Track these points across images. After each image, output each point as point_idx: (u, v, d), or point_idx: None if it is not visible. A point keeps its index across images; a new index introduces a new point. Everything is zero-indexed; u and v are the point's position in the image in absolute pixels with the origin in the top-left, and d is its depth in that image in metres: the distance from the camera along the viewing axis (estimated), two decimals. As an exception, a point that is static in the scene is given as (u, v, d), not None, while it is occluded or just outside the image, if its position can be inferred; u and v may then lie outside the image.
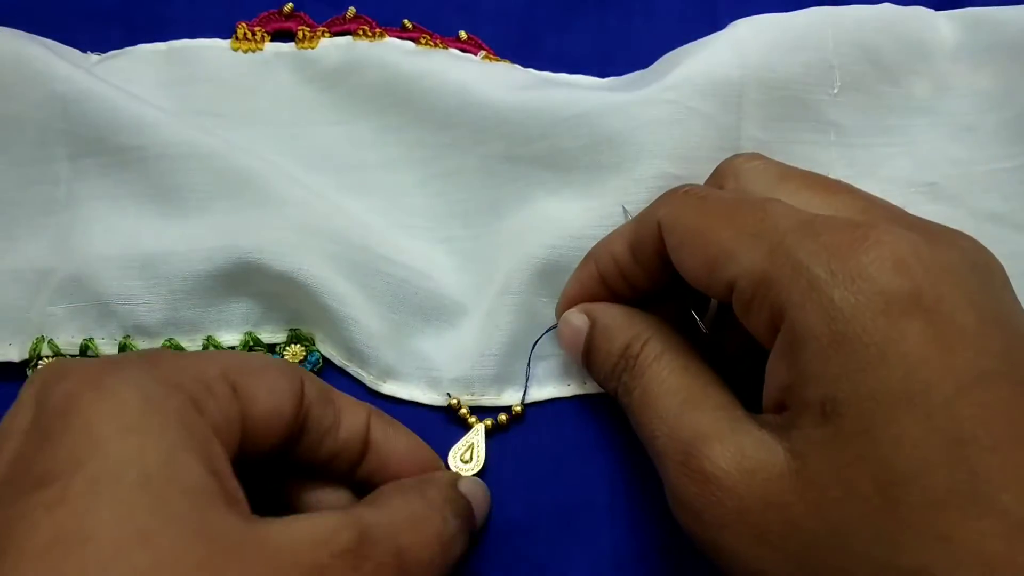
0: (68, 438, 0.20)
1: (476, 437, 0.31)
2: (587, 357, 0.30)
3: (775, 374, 0.24)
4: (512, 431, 0.32)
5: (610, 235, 0.31)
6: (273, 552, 0.21)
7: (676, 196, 0.28)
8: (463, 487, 0.29)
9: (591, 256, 0.31)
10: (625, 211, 0.32)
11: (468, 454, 0.31)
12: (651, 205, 0.29)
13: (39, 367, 0.23)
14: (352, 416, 0.28)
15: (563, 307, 0.31)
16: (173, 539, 0.19)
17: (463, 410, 0.32)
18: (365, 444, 0.28)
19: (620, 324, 0.29)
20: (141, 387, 0.21)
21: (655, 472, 0.31)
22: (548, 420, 0.32)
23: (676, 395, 0.26)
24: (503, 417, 0.32)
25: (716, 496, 0.23)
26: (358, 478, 0.28)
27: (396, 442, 0.29)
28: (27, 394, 0.22)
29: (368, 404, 0.29)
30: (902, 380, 0.21)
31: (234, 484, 0.22)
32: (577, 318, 0.30)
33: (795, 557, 0.22)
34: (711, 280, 0.25)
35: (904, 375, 0.21)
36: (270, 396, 0.25)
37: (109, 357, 0.23)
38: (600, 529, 0.30)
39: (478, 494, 0.29)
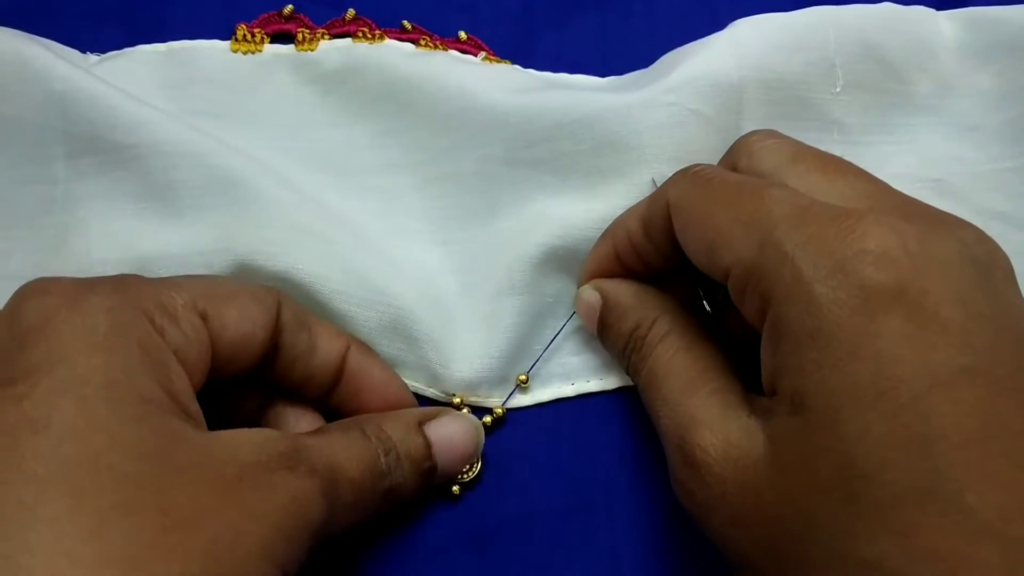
0: (41, 347, 0.22)
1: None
2: (600, 334, 0.31)
3: (764, 361, 0.24)
4: (511, 431, 0.32)
5: (627, 211, 0.31)
6: (217, 448, 0.23)
7: (686, 177, 0.28)
8: (431, 427, 0.29)
9: (608, 232, 0.31)
10: (654, 184, 0.31)
11: None
12: (665, 183, 0.29)
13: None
14: (328, 343, 0.29)
15: (582, 282, 0.32)
16: (128, 429, 0.21)
17: (464, 410, 0.31)
18: (339, 372, 0.29)
19: (630, 303, 0.30)
20: (110, 311, 0.23)
21: (653, 472, 0.31)
22: (547, 420, 0.32)
23: (677, 377, 0.27)
24: (499, 411, 0.32)
25: (705, 480, 0.24)
26: (331, 405, 0.30)
27: (371, 375, 0.30)
28: (8, 306, 0.24)
29: (350, 335, 0.30)
30: (872, 376, 0.21)
31: (193, 406, 0.24)
32: (590, 294, 0.31)
33: (765, 542, 0.23)
34: (710, 265, 0.26)
35: (875, 371, 0.21)
36: (241, 322, 0.26)
37: (84, 280, 0.24)
38: (599, 529, 0.30)
39: (455, 434, 0.30)
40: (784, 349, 0.23)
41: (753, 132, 0.29)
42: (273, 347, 0.27)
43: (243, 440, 0.24)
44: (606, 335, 0.31)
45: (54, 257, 0.32)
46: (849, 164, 0.27)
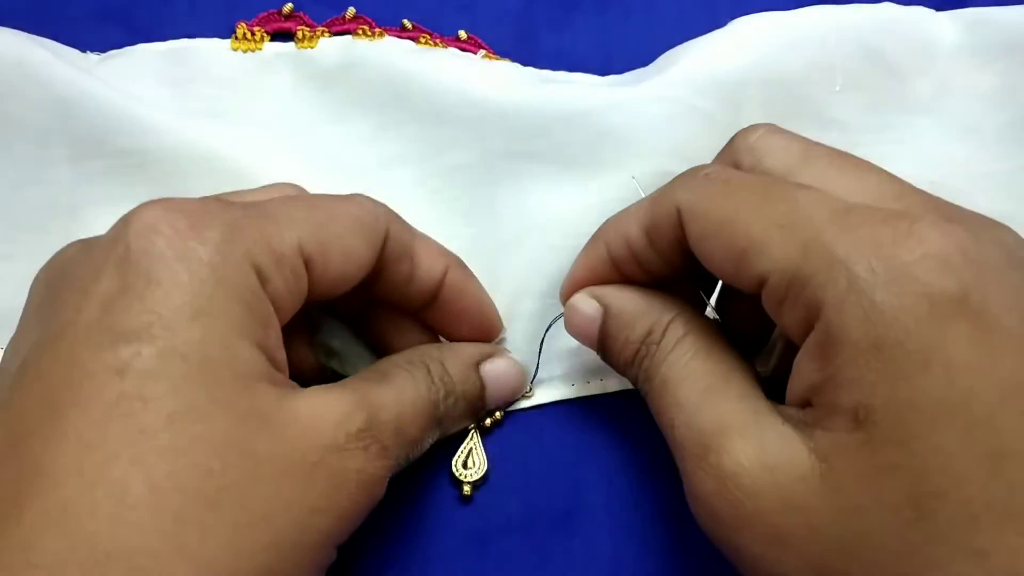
0: (147, 303, 0.22)
1: (472, 443, 0.31)
2: (602, 345, 0.29)
3: (804, 373, 0.22)
4: (512, 433, 0.32)
5: (621, 215, 0.29)
6: (299, 431, 0.23)
7: (696, 179, 0.26)
8: (486, 369, 0.30)
9: (599, 237, 0.29)
10: (636, 184, 0.31)
11: (468, 460, 0.31)
12: (668, 186, 0.27)
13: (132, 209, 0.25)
14: (427, 271, 0.29)
15: (569, 291, 0.30)
16: (218, 416, 0.22)
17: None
18: (434, 296, 0.29)
19: (638, 309, 0.28)
20: (217, 265, 0.23)
21: (653, 473, 0.31)
22: (548, 422, 0.32)
23: (697, 381, 0.25)
24: (498, 415, 0.31)
25: (734, 494, 0.22)
26: (420, 318, 0.30)
27: (464, 301, 0.30)
28: (117, 232, 0.23)
29: (451, 255, 0.30)
30: (944, 389, 0.20)
31: (280, 355, 0.24)
32: (587, 304, 0.29)
33: (815, 563, 0.21)
34: (739, 274, 0.24)
35: (946, 384, 0.20)
36: (345, 264, 0.26)
37: (197, 209, 0.24)
38: (599, 531, 0.30)
39: (501, 376, 0.30)
40: (840, 360, 0.21)
41: (752, 127, 0.28)
42: (373, 276, 0.27)
43: (326, 413, 0.24)
44: (610, 347, 0.28)
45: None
46: (861, 160, 0.26)
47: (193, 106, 0.35)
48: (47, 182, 0.33)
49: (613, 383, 0.32)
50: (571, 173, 0.33)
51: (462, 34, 0.37)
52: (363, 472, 0.24)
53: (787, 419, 0.23)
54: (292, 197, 0.27)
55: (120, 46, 0.36)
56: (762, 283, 0.23)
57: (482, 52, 0.36)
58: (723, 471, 0.23)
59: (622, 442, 0.31)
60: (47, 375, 0.22)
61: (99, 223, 0.32)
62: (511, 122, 0.33)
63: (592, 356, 0.32)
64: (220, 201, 0.25)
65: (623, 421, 0.31)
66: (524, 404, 0.32)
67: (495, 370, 0.30)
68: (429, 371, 0.28)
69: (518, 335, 0.32)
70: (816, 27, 0.34)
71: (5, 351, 0.24)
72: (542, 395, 0.32)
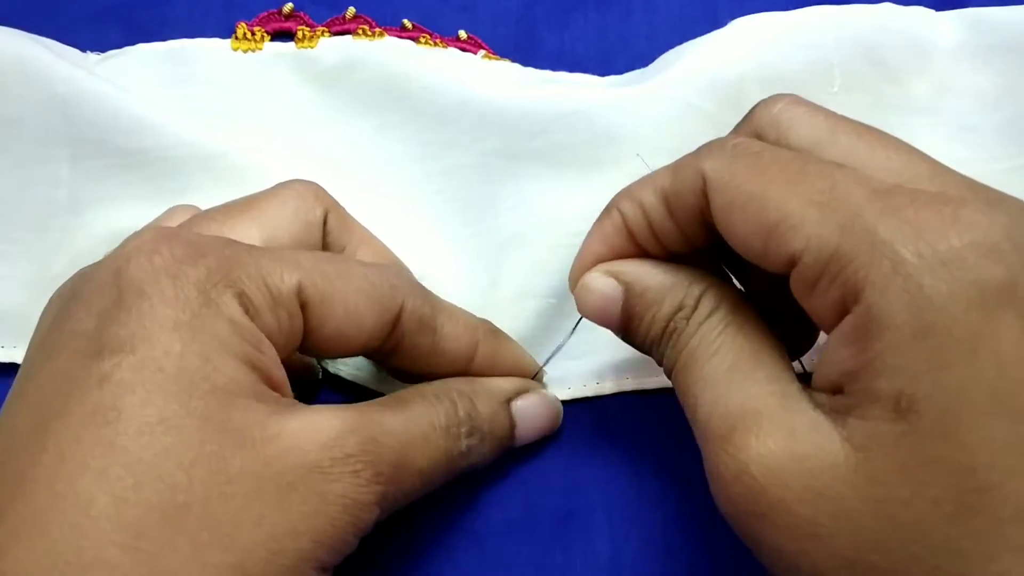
0: (133, 318, 0.22)
1: None
2: (626, 325, 0.27)
3: (837, 358, 0.21)
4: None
5: (636, 183, 0.27)
6: (279, 449, 0.22)
7: (725, 149, 0.24)
8: (518, 406, 0.29)
9: (613, 207, 0.27)
10: (642, 159, 0.30)
11: None
12: (692, 155, 0.25)
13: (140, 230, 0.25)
14: (453, 342, 0.28)
15: (583, 267, 0.27)
16: (190, 429, 0.21)
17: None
18: (465, 369, 0.29)
19: (664, 282, 0.26)
20: (206, 288, 0.23)
21: (654, 473, 0.31)
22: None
23: (725, 357, 0.24)
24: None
25: (758, 481, 0.21)
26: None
27: (498, 368, 0.29)
28: (119, 252, 0.24)
29: (481, 325, 0.29)
30: (993, 380, 0.19)
31: (279, 374, 0.24)
32: (604, 283, 0.26)
33: (845, 555, 0.20)
34: (767, 251, 0.22)
35: (995, 375, 0.19)
36: (345, 321, 0.25)
37: (196, 241, 0.24)
38: (599, 530, 0.30)
39: (533, 414, 0.29)
40: (881, 346, 0.20)
41: (774, 98, 0.26)
42: (390, 344, 0.27)
43: (314, 433, 0.23)
44: (635, 327, 0.26)
45: (58, 260, 0.32)
46: (889, 136, 0.24)
47: (193, 106, 0.35)
48: (46, 181, 0.33)
49: (610, 386, 0.32)
50: (571, 173, 0.33)
51: (462, 34, 0.37)
52: (346, 497, 0.23)
53: (818, 405, 0.22)
54: (311, 253, 0.27)
55: (120, 46, 0.36)
56: (793, 262, 0.22)
57: (482, 52, 0.36)
58: (747, 455, 0.21)
59: (622, 442, 0.31)
60: (43, 384, 0.22)
61: (99, 222, 0.33)
62: (511, 122, 0.33)
63: (591, 358, 0.32)
64: (225, 239, 0.25)
65: (623, 422, 0.32)
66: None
67: (527, 407, 0.29)
68: (456, 405, 0.27)
69: (518, 335, 0.32)
70: (815, 27, 0.34)
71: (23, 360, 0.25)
72: (560, 393, 0.32)
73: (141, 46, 0.36)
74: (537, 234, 0.33)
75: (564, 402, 0.32)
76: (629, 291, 0.26)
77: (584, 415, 0.32)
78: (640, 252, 0.27)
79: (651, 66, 0.35)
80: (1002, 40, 0.34)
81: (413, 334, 0.27)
